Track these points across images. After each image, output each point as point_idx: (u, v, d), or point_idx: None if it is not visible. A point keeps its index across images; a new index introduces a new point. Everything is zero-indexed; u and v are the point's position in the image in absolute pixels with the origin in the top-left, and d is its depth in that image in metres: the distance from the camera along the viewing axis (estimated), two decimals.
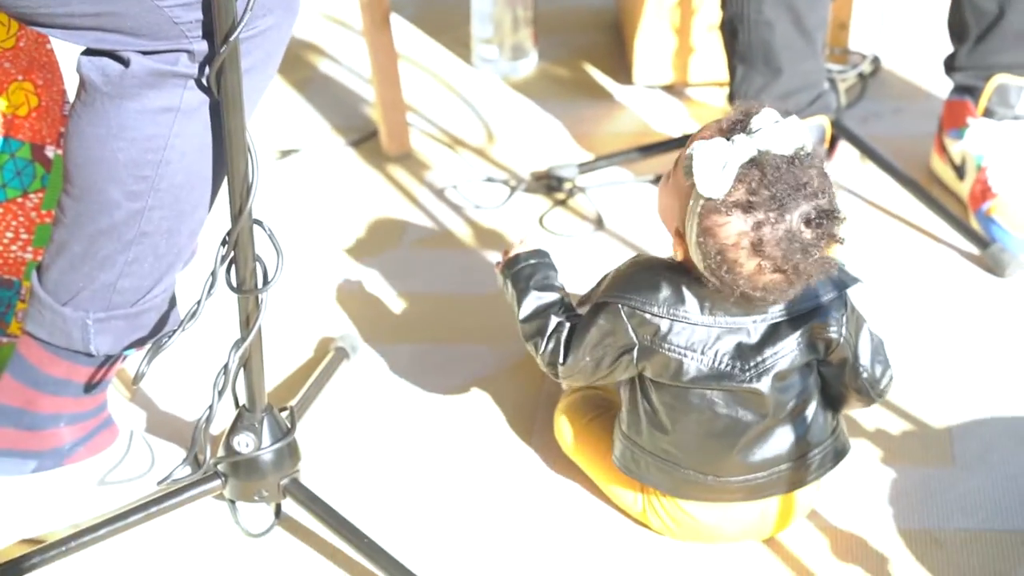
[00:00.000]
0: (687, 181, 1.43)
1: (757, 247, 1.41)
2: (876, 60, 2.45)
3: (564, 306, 1.58)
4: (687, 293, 1.48)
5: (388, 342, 1.90)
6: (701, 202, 1.42)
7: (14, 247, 1.66)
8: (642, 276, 1.50)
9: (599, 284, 1.56)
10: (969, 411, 1.75)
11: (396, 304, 1.97)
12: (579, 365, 1.53)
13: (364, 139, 2.35)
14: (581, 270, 2.01)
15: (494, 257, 2.06)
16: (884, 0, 2.49)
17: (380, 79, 2.28)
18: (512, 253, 1.63)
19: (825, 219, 1.41)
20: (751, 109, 1.44)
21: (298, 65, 2.56)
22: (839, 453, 1.56)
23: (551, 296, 1.58)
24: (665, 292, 1.48)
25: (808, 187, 1.40)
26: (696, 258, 1.45)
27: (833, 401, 1.56)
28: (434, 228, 2.13)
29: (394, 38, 2.28)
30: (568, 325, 1.55)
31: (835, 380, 1.54)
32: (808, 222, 1.41)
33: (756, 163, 1.40)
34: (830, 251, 1.43)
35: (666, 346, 1.48)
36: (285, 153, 2.31)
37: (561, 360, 1.54)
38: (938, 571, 1.53)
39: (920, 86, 2.42)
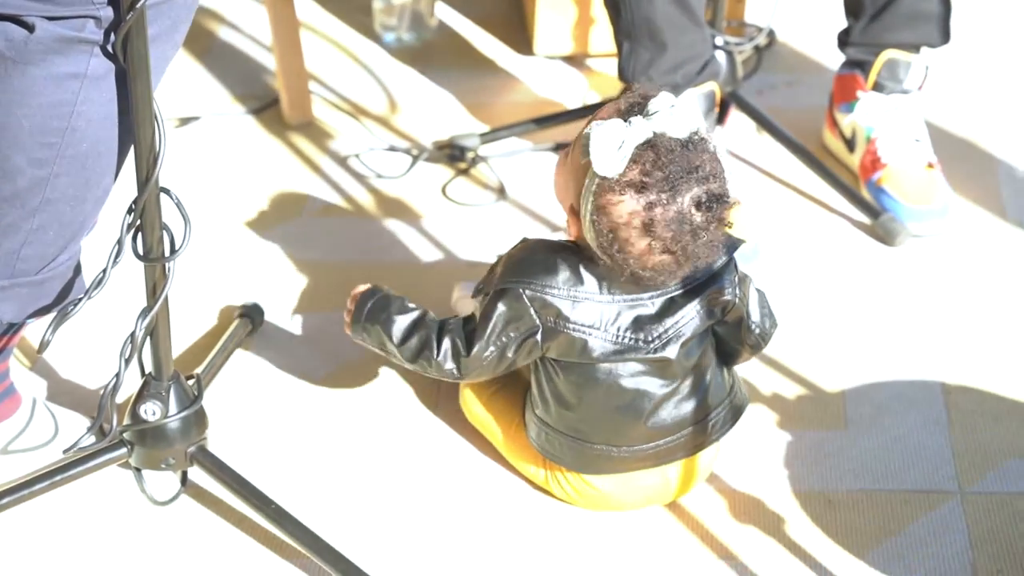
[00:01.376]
0: (583, 160, 1.45)
1: (648, 227, 1.43)
2: (771, 33, 2.49)
3: (433, 317, 1.56)
4: (584, 272, 1.50)
5: (292, 310, 1.90)
6: (596, 180, 1.44)
7: None
8: (538, 258, 1.52)
9: (492, 271, 1.56)
10: (861, 375, 1.80)
11: (299, 273, 1.98)
12: (483, 356, 1.52)
13: (265, 107, 2.34)
14: (485, 239, 2.04)
15: (396, 226, 2.07)
16: None
17: (281, 47, 2.27)
18: (352, 303, 1.59)
19: (715, 203, 1.44)
20: (649, 92, 1.46)
21: (198, 32, 2.53)
22: (737, 411, 1.60)
23: (416, 312, 1.55)
24: (564, 273, 1.50)
25: (700, 170, 1.44)
26: (589, 236, 1.48)
27: (726, 358, 1.60)
28: (336, 197, 2.13)
29: (296, 6, 2.27)
30: (458, 319, 1.54)
31: (730, 338, 1.59)
32: (699, 205, 1.44)
33: (651, 145, 1.43)
34: (719, 233, 1.46)
35: (570, 326, 1.50)
36: (184, 121, 2.29)
37: (464, 352, 1.51)
38: (831, 531, 1.58)
39: (814, 59, 2.47)
